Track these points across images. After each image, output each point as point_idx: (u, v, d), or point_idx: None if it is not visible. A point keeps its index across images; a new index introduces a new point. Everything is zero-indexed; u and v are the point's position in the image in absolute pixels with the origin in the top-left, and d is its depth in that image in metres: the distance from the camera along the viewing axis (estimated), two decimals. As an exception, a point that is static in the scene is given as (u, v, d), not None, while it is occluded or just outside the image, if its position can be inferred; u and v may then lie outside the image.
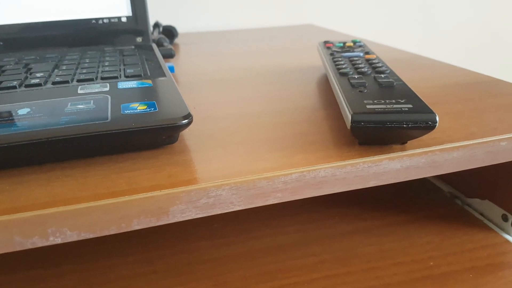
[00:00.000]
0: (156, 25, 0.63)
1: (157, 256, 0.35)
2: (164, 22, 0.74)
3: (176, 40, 0.65)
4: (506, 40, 0.99)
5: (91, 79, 0.32)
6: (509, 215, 0.37)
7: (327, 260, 0.34)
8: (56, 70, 0.35)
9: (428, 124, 0.24)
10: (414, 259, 0.34)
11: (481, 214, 0.39)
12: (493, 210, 0.38)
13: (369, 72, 0.33)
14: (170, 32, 0.63)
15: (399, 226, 0.38)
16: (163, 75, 0.33)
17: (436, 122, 0.24)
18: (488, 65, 1.00)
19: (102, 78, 0.32)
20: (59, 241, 0.21)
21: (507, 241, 0.36)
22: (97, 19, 0.45)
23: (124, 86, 0.30)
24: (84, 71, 0.34)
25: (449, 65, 0.45)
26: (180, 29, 0.74)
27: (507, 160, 0.29)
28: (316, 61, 0.48)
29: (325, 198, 0.42)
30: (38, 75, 0.33)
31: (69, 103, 0.27)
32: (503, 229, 0.37)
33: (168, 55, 0.48)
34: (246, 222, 0.39)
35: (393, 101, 0.26)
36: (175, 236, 0.37)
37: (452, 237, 0.36)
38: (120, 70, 0.34)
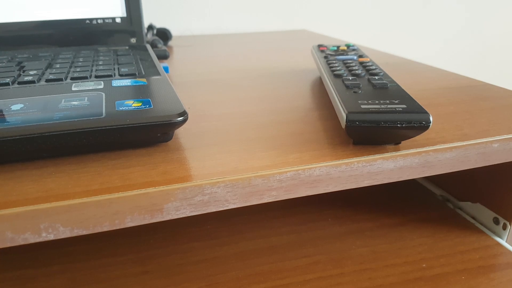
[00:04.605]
0: (150, 27, 0.63)
1: (148, 256, 0.34)
2: (158, 25, 0.74)
3: (170, 43, 0.65)
4: (497, 49, 1.00)
5: (85, 77, 0.32)
6: (500, 218, 0.37)
7: (320, 261, 0.34)
8: (49, 69, 0.34)
9: (422, 124, 0.24)
10: (406, 260, 0.34)
11: (473, 217, 0.40)
12: (485, 213, 0.38)
13: (363, 74, 0.33)
14: (164, 34, 0.63)
15: (391, 228, 0.38)
16: (158, 74, 0.33)
17: (430, 122, 0.24)
18: (480, 73, 1.02)
19: (96, 76, 0.32)
20: (51, 237, 0.21)
21: (499, 243, 0.36)
22: (91, 19, 0.45)
23: (118, 84, 0.30)
24: (78, 69, 0.34)
25: (441, 70, 0.46)
26: (174, 32, 0.74)
27: (499, 162, 0.29)
28: (310, 65, 0.49)
29: (318, 200, 0.42)
30: (31, 72, 0.33)
31: (63, 100, 0.27)
32: (494, 232, 0.38)
33: (163, 56, 0.48)
34: (239, 223, 0.39)
35: (387, 101, 0.27)
36: (167, 236, 0.37)
37: (444, 240, 0.37)
38: (114, 69, 0.34)
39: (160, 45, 0.54)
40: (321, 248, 0.35)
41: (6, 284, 0.31)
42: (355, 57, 0.39)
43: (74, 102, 0.26)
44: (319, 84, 0.40)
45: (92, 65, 0.35)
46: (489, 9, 0.95)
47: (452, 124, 0.30)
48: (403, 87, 0.39)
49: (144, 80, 0.31)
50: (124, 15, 0.45)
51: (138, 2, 0.45)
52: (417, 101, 0.34)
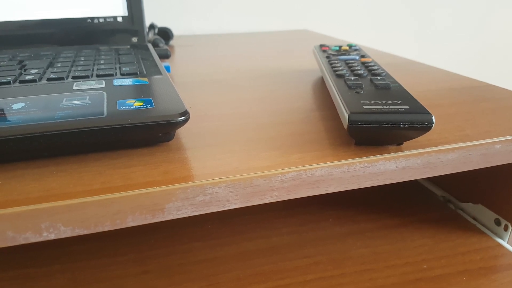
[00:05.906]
0: (152, 26, 0.63)
1: (149, 256, 0.34)
2: (160, 24, 0.74)
3: (172, 42, 0.65)
4: (497, 49, 1.00)
5: (87, 76, 0.32)
6: (501, 219, 0.37)
7: (321, 261, 0.34)
8: (50, 67, 0.34)
9: (424, 125, 0.24)
10: (407, 261, 0.34)
11: (474, 218, 0.40)
12: (486, 215, 0.38)
13: (365, 74, 0.33)
14: (165, 34, 0.63)
15: (392, 229, 0.38)
16: (159, 73, 0.33)
17: (433, 123, 0.24)
18: (482, 74, 1.02)
19: (98, 76, 0.32)
20: (52, 236, 0.21)
21: (500, 245, 0.36)
22: (92, 18, 0.45)
23: (120, 83, 0.30)
24: (79, 68, 0.34)
25: (443, 70, 0.45)
26: (175, 31, 0.74)
27: (501, 163, 0.29)
28: (311, 65, 0.49)
29: (319, 201, 0.42)
30: (32, 71, 0.33)
31: (64, 99, 0.27)
32: (496, 234, 0.37)
33: (164, 56, 0.48)
34: (241, 223, 0.39)
35: (390, 102, 0.26)
36: (168, 236, 0.37)
37: (445, 241, 0.36)
38: (115, 68, 0.34)
39: (162, 44, 0.54)
40: (322, 249, 0.35)
41: (7, 284, 0.31)
42: (357, 57, 0.39)
43: (75, 101, 0.26)
44: (321, 85, 0.40)
45: (94, 64, 0.35)
46: (489, 10, 0.95)
47: (454, 125, 0.30)
48: (405, 88, 0.39)
49: (145, 79, 0.31)
50: (126, 14, 0.45)
51: (140, 1, 0.45)
52: (419, 101, 0.34)
